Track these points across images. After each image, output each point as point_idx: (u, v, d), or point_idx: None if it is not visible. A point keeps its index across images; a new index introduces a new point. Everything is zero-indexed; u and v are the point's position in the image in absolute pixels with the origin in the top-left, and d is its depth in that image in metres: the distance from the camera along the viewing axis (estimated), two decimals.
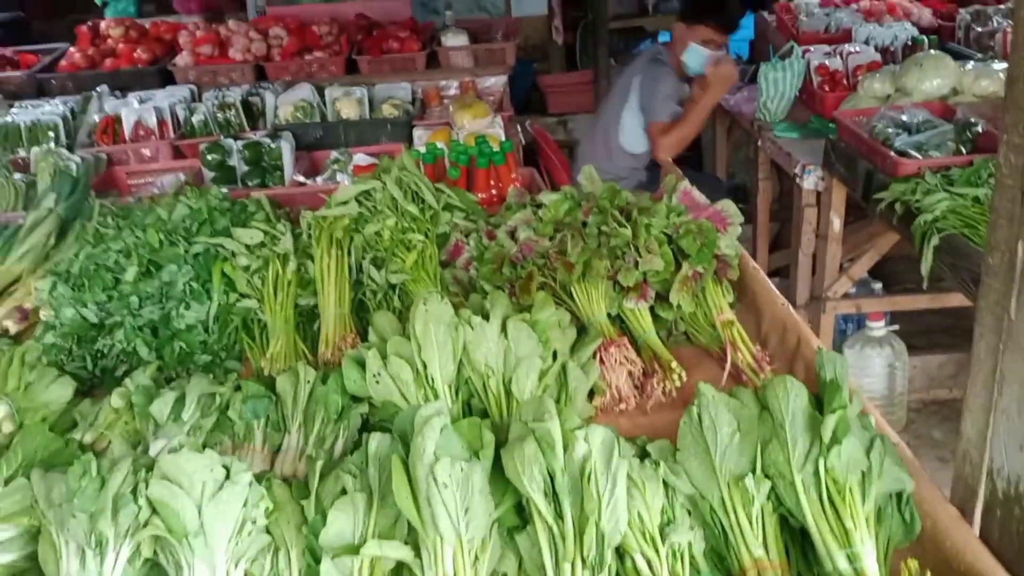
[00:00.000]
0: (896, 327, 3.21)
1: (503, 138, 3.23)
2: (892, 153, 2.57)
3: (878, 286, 3.50)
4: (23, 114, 3.56)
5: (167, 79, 3.87)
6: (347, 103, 3.49)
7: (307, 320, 1.93)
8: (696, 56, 3.45)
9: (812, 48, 3.70)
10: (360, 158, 3.01)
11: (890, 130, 2.69)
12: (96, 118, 3.53)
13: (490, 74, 3.95)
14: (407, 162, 2.22)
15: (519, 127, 3.69)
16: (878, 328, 3.14)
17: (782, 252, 3.98)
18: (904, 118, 2.77)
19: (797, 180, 3.09)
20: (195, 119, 3.46)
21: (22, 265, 2.22)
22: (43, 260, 2.26)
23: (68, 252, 2.16)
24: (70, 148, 3.38)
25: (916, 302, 3.25)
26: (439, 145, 2.92)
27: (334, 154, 3.17)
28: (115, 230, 2.10)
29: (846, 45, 3.70)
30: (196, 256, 1.95)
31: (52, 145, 3.38)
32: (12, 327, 2.05)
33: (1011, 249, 1.10)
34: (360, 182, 2.13)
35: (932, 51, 3.41)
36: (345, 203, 2.06)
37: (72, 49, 4.04)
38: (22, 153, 3.36)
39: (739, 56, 7.37)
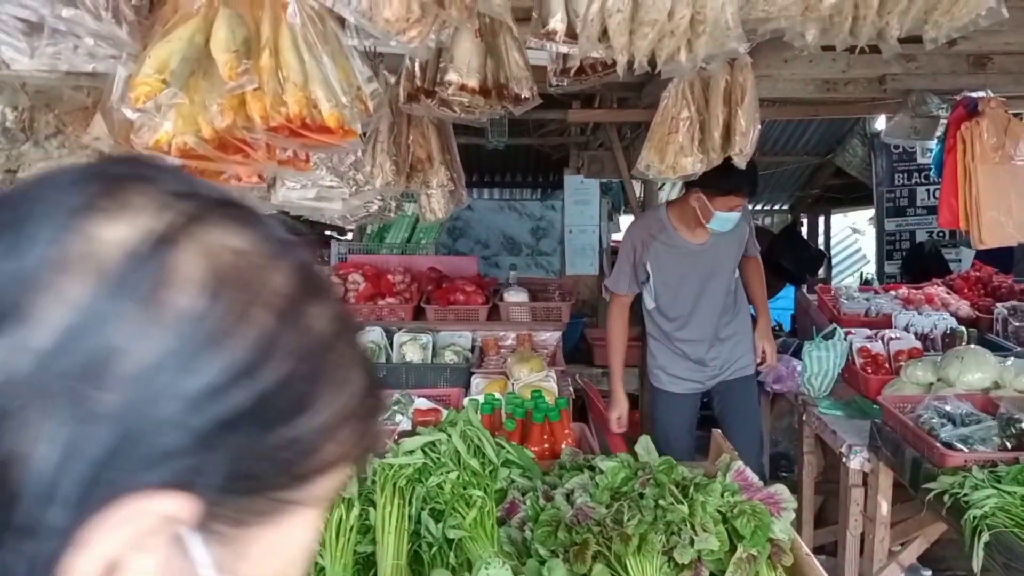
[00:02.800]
0: None
1: (556, 390, 3.39)
2: (939, 444, 2.63)
3: (928, 574, 3.40)
4: None
5: None
6: (412, 347, 3.72)
7: (363, 568, 1.97)
8: (725, 221, 3.45)
9: (854, 331, 3.89)
10: (421, 402, 3.16)
11: (935, 420, 2.78)
12: None
13: (546, 329, 4.19)
14: (472, 416, 2.35)
15: (570, 379, 3.87)
16: None
17: (828, 528, 3.92)
18: (948, 409, 2.86)
19: (844, 460, 3.14)
20: None
21: None
22: None
23: None
24: None
25: None
26: (496, 396, 3.08)
27: (396, 395, 3.34)
28: None
29: (887, 330, 3.89)
30: None
31: None
32: None
33: None
34: (428, 433, 2.26)
35: (972, 345, 3.57)
36: (411, 452, 2.17)
37: None
38: None
39: (779, 324, 7.68)
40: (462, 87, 1.84)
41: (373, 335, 3.80)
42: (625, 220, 7.74)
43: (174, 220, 0.44)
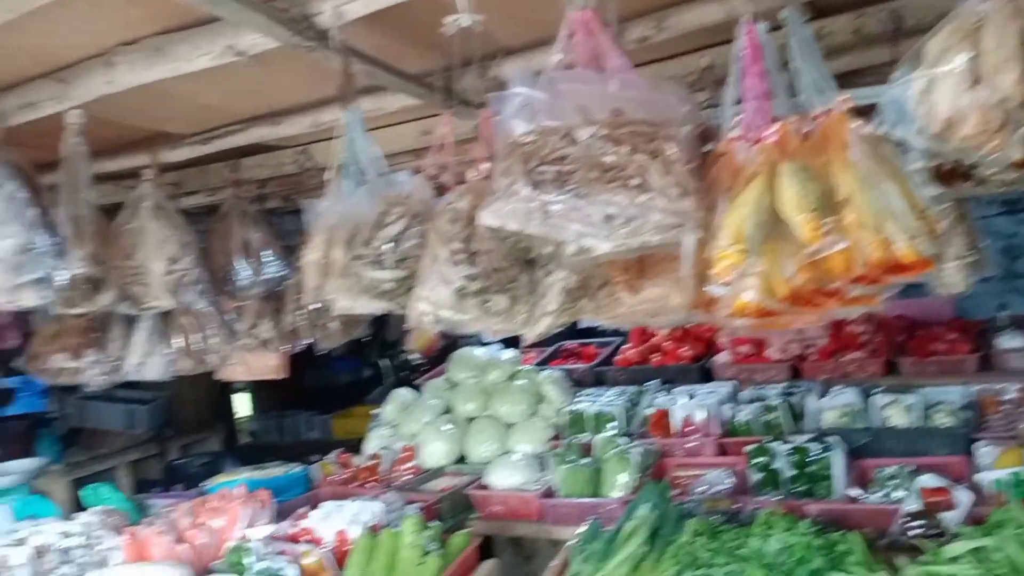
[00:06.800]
0: None
1: None
2: None
3: None
4: (588, 404, 4.15)
5: (706, 375, 4.23)
6: (896, 409, 3.40)
7: None
8: None
9: None
10: (926, 479, 2.84)
11: None
12: (647, 411, 3.95)
13: None
14: (1021, 515, 2.03)
15: None
16: None
17: None
18: None
19: None
20: (738, 418, 3.67)
21: (621, 571, 2.48)
22: (633, 570, 2.49)
23: (664, 568, 2.35)
24: (628, 436, 3.82)
25: None
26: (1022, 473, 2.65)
27: (888, 469, 3.05)
28: (710, 552, 2.26)
29: None
30: None
31: (613, 433, 3.85)
32: None
33: None
34: (969, 536, 2.00)
35: None
36: (956, 560, 1.93)
37: (625, 345, 4.69)
38: (587, 436, 3.89)
39: None
40: (1017, 164, 1.60)
41: (848, 398, 3.55)
42: None
43: None
